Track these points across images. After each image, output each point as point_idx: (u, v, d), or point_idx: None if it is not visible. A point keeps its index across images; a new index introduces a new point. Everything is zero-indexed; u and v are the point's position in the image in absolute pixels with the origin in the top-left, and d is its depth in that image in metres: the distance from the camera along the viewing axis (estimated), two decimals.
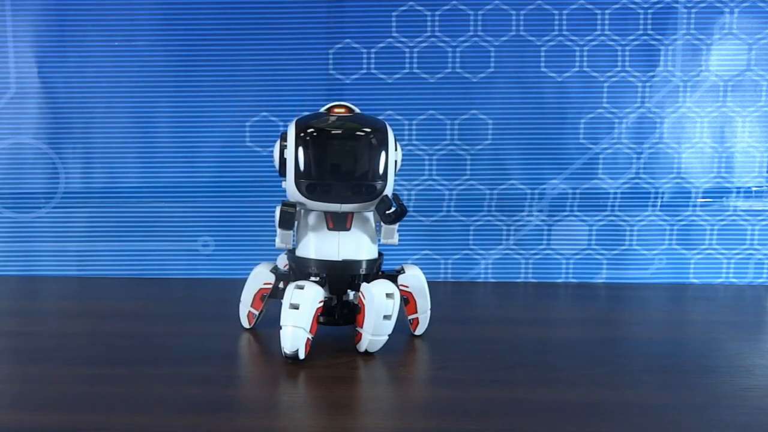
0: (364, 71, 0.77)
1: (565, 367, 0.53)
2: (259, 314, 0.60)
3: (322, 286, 0.54)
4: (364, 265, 0.56)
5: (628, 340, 0.61)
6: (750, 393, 0.48)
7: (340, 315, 0.56)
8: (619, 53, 0.76)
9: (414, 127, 0.78)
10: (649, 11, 0.76)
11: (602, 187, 0.79)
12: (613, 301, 0.74)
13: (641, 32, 0.76)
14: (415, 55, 0.77)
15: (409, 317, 0.59)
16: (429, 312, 0.59)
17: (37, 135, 0.78)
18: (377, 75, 0.77)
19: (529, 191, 0.79)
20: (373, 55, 0.77)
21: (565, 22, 0.76)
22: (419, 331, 0.60)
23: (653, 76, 0.77)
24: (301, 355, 0.52)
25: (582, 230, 0.79)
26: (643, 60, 0.76)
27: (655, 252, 0.80)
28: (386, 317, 0.53)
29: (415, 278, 0.59)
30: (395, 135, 0.55)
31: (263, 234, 0.80)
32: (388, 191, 0.55)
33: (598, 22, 0.76)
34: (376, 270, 0.58)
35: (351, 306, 0.56)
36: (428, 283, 0.80)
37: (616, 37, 0.76)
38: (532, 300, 0.74)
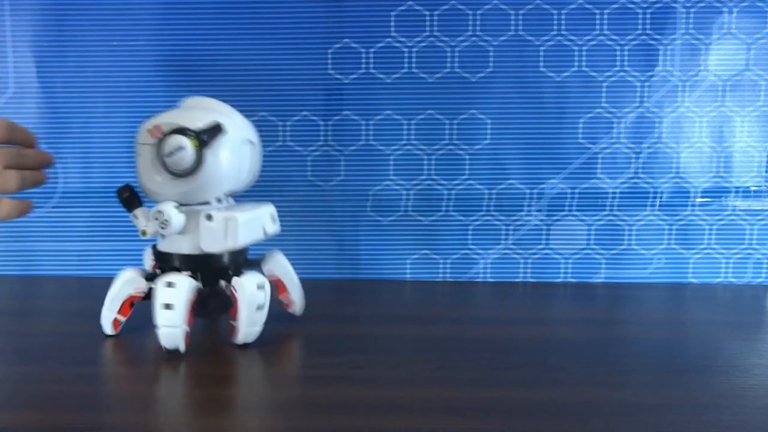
0: (363, 71, 0.77)
1: (564, 366, 0.53)
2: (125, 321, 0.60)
3: (194, 279, 0.56)
4: (226, 257, 0.57)
5: (626, 339, 0.61)
6: (749, 392, 0.49)
7: (213, 307, 0.58)
8: (618, 53, 0.76)
9: (413, 126, 0.78)
10: (648, 11, 0.76)
11: (601, 187, 0.79)
12: (612, 301, 0.74)
13: (640, 32, 0.76)
14: (414, 54, 0.77)
15: (280, 297, 0.62)
16: (301, 289, 0.59)
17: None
18: (376, 75, 0.77)
19: (528, 191, 0.79)
20: (372, 55, 0.77)
21: (564, 22, 0.76)
22: (298, 310, 0.62)
23: (652, 76, 0.77)
24: (182, 349, 0.54)
25: (581, 230, 0.79)
26: (642, 60, 0.76)
27: (653, 252, 0.80)
28: (259, 308, 0.55)
29: (277, 263, 0.60)
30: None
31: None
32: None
33: (597, 21, 0.76)
34: (242, 260, 0.59)
35: (223, 296, 0.57)
36: (426, 282, 0.80)
37: (615, 37, 0.76)
38: (530, 300, 0.74)
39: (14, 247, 0.80)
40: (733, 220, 0.79)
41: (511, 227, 0.80)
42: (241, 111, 0.78)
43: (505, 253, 0.80)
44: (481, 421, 0.44)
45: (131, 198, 0.57)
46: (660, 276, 0.80)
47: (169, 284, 0.53)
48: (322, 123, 0.78)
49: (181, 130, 0.53)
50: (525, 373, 0.52)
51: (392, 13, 0.76)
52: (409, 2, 0.76)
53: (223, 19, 0.76)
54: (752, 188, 0.78)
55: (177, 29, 0.77)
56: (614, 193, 0.79)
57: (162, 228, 0.54)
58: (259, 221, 0.59)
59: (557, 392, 0.48)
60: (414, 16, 0.76)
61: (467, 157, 0.78)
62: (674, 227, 0.79)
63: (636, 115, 0.77)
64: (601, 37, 0.76)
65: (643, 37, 0.76)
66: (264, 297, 0.56)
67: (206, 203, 0.57)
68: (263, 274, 0.59)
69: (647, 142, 0.78)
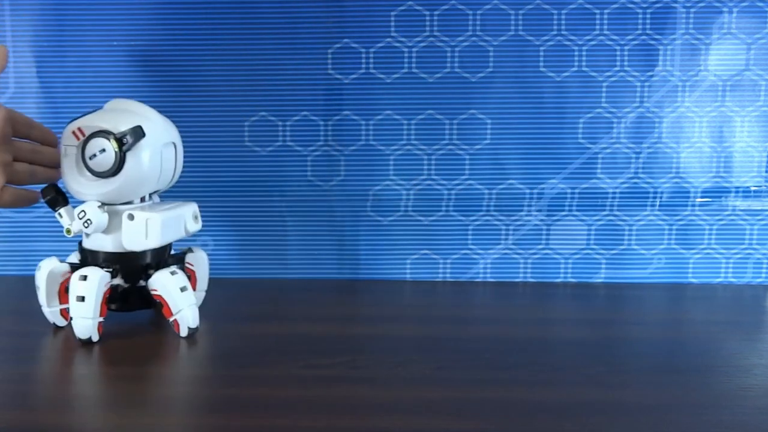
0: (363, 71, 0.77)
1: (564, 366, 0.53)
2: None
3: (114, 276, 0.58)
4: (149, 255, 0.59)
5: (626, 339, 0.61)
6: (748, 392, 0.49)
7: (134, 302, 0.60)
8: (618, 53, 0.76)
9: (413, 126, 0.78)
10: (648, 11, 0.76)
11: (601, 187, 0.79)
12: (612, 301, 0.74)
13: (640, 32, 0.76)
14: (414, 54, 0.77)
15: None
16: (186, 310, 0.59)
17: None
18: (376, 75, 0.77)
19: (527, 191, 0.79)
20: (372, 55, 0.77)
21: (563, 22, 0.76)
22: (183, 332, 0.61)
23: (652, 76, 0.77)
24: (95, 338, 0.56)
25: (581, 230, 0.79)
26: (642, 59, 0.76)
27: (653, 252, 0.80)
28: (182, 289, 0.59)
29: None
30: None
31: (262, 233, 0.80)
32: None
33: (597, 21, 0.76)
34: (166, 256, 0.62)
35: (144, 292, 0.59)
36: (426, 282, 0.80)
37: (615, 37, 0.76)
38: (530, 300, 0.74)
39: (14, 247, 0.80)
40: (733, 220, 0.79)
41: (511, 227, 0.80)
42: (240, 110, 0.78)
43: (505, 253, 0.80)
44: (481, 421, 0.44)
45: (56, 198, 0.59)
46: (660, 276, 0.80)
47: (83, 277, 0.56)
48: (322, 123, 0.78)
49: (103, 133, 0.55)
50: (525, 373, 0.52)
51: (392, 13, 0.76)
52: (409, 2, 0.76)
53: (222, 19, 0.76)
54: (752, 188, 0.78)
55: (177, 29, 0.77)
56: (614, 193, 0.79)
57: (85, 227, 0.57)
58: (180, 220, 0.61)
59: (557, 392, 0.48)
60: (414, 16, 0.76)
61: (467, 157, 0.78)
62: (674, 227, 0.79)
63: (636, 115, 0.77)
64: (601, 37, 0.76)
65: (643, 37, 0.76)
66: (181, 279, 0.59)
67: (129, 203, 0.59)
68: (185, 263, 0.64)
69: (647, 142, 0.78)
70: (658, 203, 0.79)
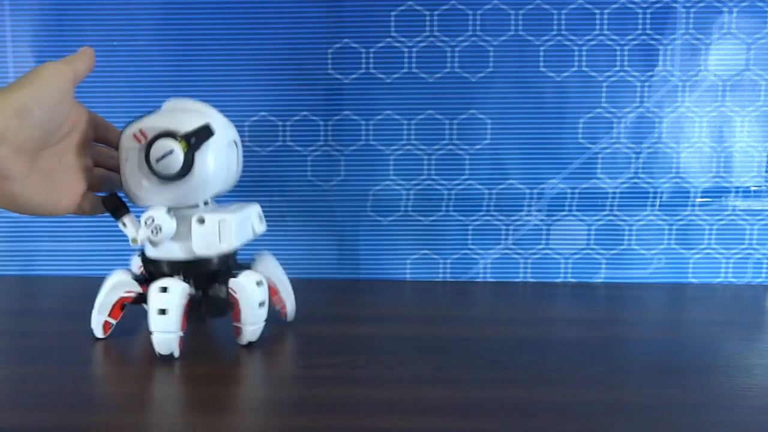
0: (363, 71, 0.77)
1: (564, 366, 0.53)
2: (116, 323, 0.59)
3: (187, 284, 0.55)
4: (216, 261, 0.57)
5: (626, 339, 0.61)
6: (748, 392, 0.49)
7: (206, 311, 0.57)
8: (618, 53, 0.76)
9: (413, 126, 0.78)
10: (648, 11, 0.76)
11: (601, 187, 0.79)
12: (612, 301, 0.74)
13: (640, 32, 0.76)
14: (413, 54, 0.77)
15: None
16: (292, 292, 0.59)
17: None
18: (376, 75, 0.77)
19: (527, 191, 0.79)
20: (371, 55, 0.77)
21: (563, 22, 0.76)
22: (290, 313, 0.62)
23: (652, 76, 0.77)
24: (176, 355, 0.54)
25: (581, 230, 0.79)
26: (642, 59, 0.76)
27: (653, 252, 0.80)
28: (261, 304, 0.56)
29: (267, 265, 0.59)
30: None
31: (262, 234, 0.80)
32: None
33: (597, 21, 0.76)
34: (232, 263, 0.59)
35: (216, 300, 0.56)
36: (426, 282, 0.80)
37: (614, 37, 0.76)
38: (530, 300, 0.74)
39: (14, 247, 0.80)
40: (733, 220, 0.79)
41: (511, 227, 0.80)
42: (240, 111, 0.78)
43: (505, 253, 0.80)
44: (481, 421, 0.44)
45: (118, 206, 0.56)
46: (660, 276, 0.80)
47: (163, 289, 0.53)
48: (322, 123, 0.78)
49: (169, 134, 0.52)
50: (525, 373, 0.52)
51: (392, 13, 0.76)
52: (409, 2, 0.76)
53: (222, 19, 0.76)
54: (752, 188, 0.78)
55: (177, 29, 0.77)
56: (614, 193, 0.79)
57: (154, 235, 0.54)
58: (248, 221, 0.59)
59: (557, 392, 0.48)
60: (414, 16, 0.76)
61: (467, 157, 0.78)
62: (674, 227, 0.79)
63: (636, 115, 0.77)
64: (601, 37, 0.76)
65: (643, 37, 0.76)
66: (264, 293, 0.56)
67: (194, 206, 0.56)
68: None
69: (647, 142, 0.78)
70: (658, 203, 0.79)
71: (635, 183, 0.78)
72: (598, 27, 0.76)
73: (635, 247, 0.80)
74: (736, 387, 0.49)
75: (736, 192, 0.78)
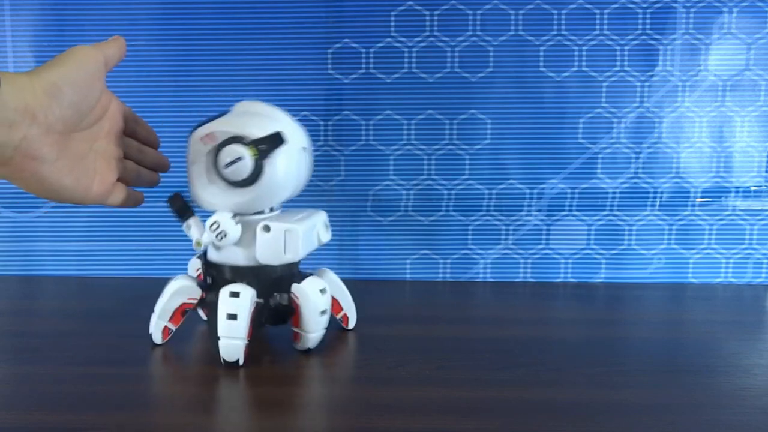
0: (363, 71, 0.77)
1: (564, 366, 0.53)
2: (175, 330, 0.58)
3: (210, 288, 0.54)
4: (280, 268, 0.55)
5: (626, 339, 0.61)
6: (748, 392, 0.49)
7: (267, 318, 0.56)
8: (618, 53, 0.76)
9: (413, 126, 0.78)
10: (648, 11, 0.76)
11: (601, 187, 0.79)
12: (612, 301, 0.74)
13: (640, 32, 0.76)
14: (414, 54, 0.77)
15: (338, 315, 0.61)
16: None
17: None
18: (376, 75, 0.77)
19: (527, 191, 0.79)
20: (372, 55, 0.77)
21: (564, 22, 0.76)
22: (351, 324, 0.62)
23: (652, 76, 0.77)
24: (240, 362, 0.52)
25: (581, 230, 0.79)
26: (642, 59, 0.76)
27: (653, 252, 0.80)
28: (322, 312, 0.55)
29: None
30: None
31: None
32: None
33: (597, 21, 0.76)
34: (295, 271, 0.57)
35: (277, 308, 0.55)
36: (426, 282, 0.80)
37: (615, 37, 0.76)
38: (530, 300, 0.74)
39: (14, 247, 0.80)
40: (733, 220, 0.79)
41: (511, 227, 0.80)
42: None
43: (505, 253, 0.80)
44: (481, 421, 0.44)
45: (184, 207, 0.55)
46: (660, 276, 0.80)
47: (234, 294, 0.52)
48: (322, 123, 0.78)
49: (239, 139, 0.51)
50: (525, 373, 0.52)
51: (392, 13, 0.76)
52: (409, 2, 0.76)
53: (222, 19, 0.76)
54: (752, 188, 0.78)
55: (177, 29, 0.77)
56: (614, 193, 0.79)
57: (218, 239, 0.52)
58: (314, 230, 0.57)
59: (557, 392, 0.48)
60: (414, 16, 0.76)
61: (467, 157, 0.78)
62: (674, 227, 0.79)
63: (636, 115, 0.77)
64: (601, 37, 0.76)
65: (643, 37, 0.76)
66: (326, 301, 0.55)
67: (260, 212, 0.55)
68: None
69: (647, 142, 0.78)
70: (658, 203, 0.79)
71: (635, 183, 0.78)
72: (598, 27, 0.76)
73: (635, 247, 0.80)
74: (736, 387, 0.49)
75: (736, 192, 0.78)
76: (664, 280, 0.80)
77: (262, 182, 0.52)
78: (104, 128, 0.49)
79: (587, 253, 0.80)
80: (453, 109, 0.78)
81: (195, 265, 0.61)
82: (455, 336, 0.61)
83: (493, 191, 0.79)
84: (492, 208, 0.79)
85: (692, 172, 0.78)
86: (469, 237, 0.80)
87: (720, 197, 0.79)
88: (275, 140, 0.51)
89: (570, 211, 0.79)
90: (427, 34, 0.76)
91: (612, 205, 0.79)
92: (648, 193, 0.79)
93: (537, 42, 0.76)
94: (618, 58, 0.76)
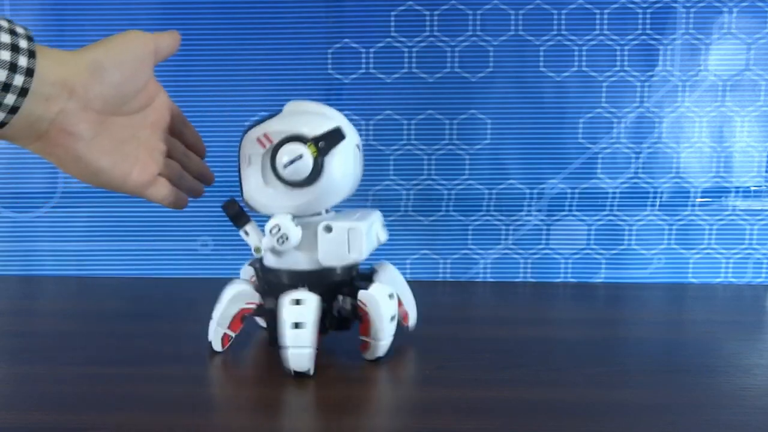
0: (363, 71, 0.77)
1: (564, 366, 0.53)
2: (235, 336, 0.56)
3: (268, 295, 0.53)
4: (339, 271, 0.54)
5: (626, 339, 0.61)
6: (748, 392, 0.49)
7: (330, 323, 0.54)
8: (618, 53, 0.76)
9: (413, 126, 0.78)
10: (648, 11, 0.76)
11: (601, 187, 0.79)
12: (612, 301, 0.74)
13: (640, 32, 0.76)
14: (414, 54, 0.77)
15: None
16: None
17: None
18: (376, 75, 0.77)
19: (528, 191, 0.79)
20: (372, 55, 0.77)
21: (564, 22, 0.76)
22: (412, 323, 0.59)
23: (652, 76, 0.77)
24: (312, 371, 0.51)
25: (581, 230, 0.79)
26: (642, 59, 0.76)
27: (654, 252, 0.80)
28: (392, 318, 0.52)
29: (389, 275, 0.56)
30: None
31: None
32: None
33: (597, 21, 0.76)
34: (355, 273, 0.56)
35: (343, 312, 0.53)
36: (427, 282, 0.80)
37: (615, 37, 0.76)
38: (530, 300, 0.74)
39: (14, 247, 0.80)
40: (733, 220, 0.79)
41: (511, 227, 0.80)
42: (240, 110, 0.78)
43: (505, 253, 0.80)
44: (481, 421, 0.44)
45: (241, 213, 0.53)
46: (660, 276, 0.80)
47: (297, 301, 0.49)
48: None
49: (297, 138, 0.49)
50: (525, 373, 0.52)
51: (392, 13, 0.76)
52: (409, 2, 0.76)
53: (222, 19, 0.76)
54: (752, 188, 0.78)
55: (177, 29, 0.76)
56: (614, 193, 0.79)
57: (279, 244, 0.51)
58: (373, 229, 0.55)
59: (557, 392, 0.48)
60: (414, 16, 0.76)
61: (467, 157, 0.78)
62: (674, 227, 0.79)
63: (636, 115, 0.77)
64: (601, 37, 0.76)
65: (643, 37, 0.76)
66: (395, 306, 0.53)
67: (317, 214, 0.53)
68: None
69: (647, 142, 0.78)
70: (658, 203, 0.79)
71: (635, 183, 0.78)
72: (598, 27, 0.76)
73: (635, 247, 0.80)
74: (737, 387, 0.49)
75: (736, 192, 0.78)
76: (664, 280, 0.80)
77: (322, 181, 0.50)
78: (149, 118, 0.48)
79: (587, 253, 0.80)
80: (453, 109, 0.78)
81: (248, 273, 0.59)
82: (455, 336, 0.61)
83: (493, 191, 0.79)
84: (492, 208, 0.79)
85: (692, 172, 0.78)
86: (469, 237, 0.80)
87: (720, 197, 0.79)
88: (335, 136, 0.50)
89: (570, 211, 0.79)
90: (427, 34, 0.76)
91: (612, 205, 0.79)
92: (648, 193, 0.79)
93: (537, 42, 0.76)
94: (618, 58, 0.76)
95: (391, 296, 0.52)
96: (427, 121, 0.78)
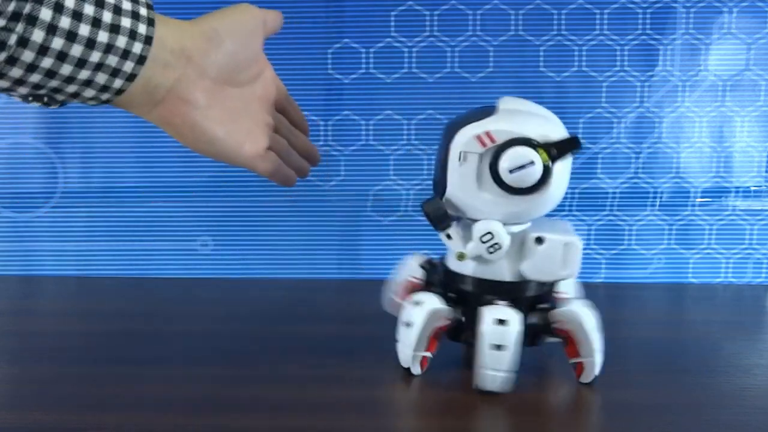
0: (363, 71, 0.77)
1: (564, 366, 0.53)
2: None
3: (455, 304, 0.49)
4: (535, 285, 0.50)
5: (626, 339, 0.61)
6: (748, 392, 0.49)
7: (467, 336, 0.50)
8: (618, 53, 0.76)
9: (413, 126, 0.78)
10: (648, 11, 0.75)
11: (601, 187, 0.79)
12: (612, 301, 0.74)
13: (640, 32, 0.76)
14: (414, 54, 0.77)
15: (571, 361, 0.51)
16: (597, 355, 0.49)
17: (36, 134, 0.78)
18: (376, 74, 0.77)
19: None
20: (372, 55, 0.77)
21: (563, 22, 0.76)
22: (585, 378, 0.50)
23: (652, 76, 0.77)
24: (415, 372, 0.50)
25: (581, 230, 0.79)
26: (642, 59, 0.76)
27: (653, 252, 0.80)
28: (497, 347, 0.46)
29: (572, 314, 0.49)
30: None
31: (262, 233, 0.80)
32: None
33: (597, 21, 0.76)
34: (547, 287, 0.51)
35: (537, 329, 0.50)
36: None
37: (615, 37, 0.76)
38: None
39: (14, 247, 0.80)
40: (733, 220, 0.79)
41: None
42: None
43: None
44: (482, 421, 0.44)
45: (446, 214, 0.49)
46: (660, 276, 0.80)
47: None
48: (322, 123, 0.78)
49: (527, 142, 0.46)
50: (525, 372, 0.52)
51: (392, 13, 0.76)
52: (409, 2, 0.76)
53: None
54: (752, 188, 0.78)
55: None
56: (614, 193, 0.79)
57: (490, 252, 0.47)
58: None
59: (557, 392, 0.48)
60: (414, 16, 0.76)
61: None
62: (674, 227, 0.79)
63: (636, 115, 0.77)
64: (601, 37, 0.76)
65: (643, 37, 0.76)
66: (504, 335, 0.46)
67: (519, 222, 0.49)
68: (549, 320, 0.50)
69: (647, 142, 0.78)
70: (658, 203, 0.79)
71: (635, 183, 0.78)
72: (598, 27, 0.76)
73: (635, 247, 0.80)
74: (737, 387, 0.49)
75: (736, 192, 0.78)
76: (664, 280, 0.80)
77: (546, 190, 0.47)
78: (257, 92, 0.48)
79: (587, 253, 0.80)
80: (453, 109, 0.77)
81: (411, 270, 0.56)
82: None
83: None
84: None
85: (692, 172, 0.78)
86: None
87: (720, 197, 0.79)
88: (569, 145, 0.46)
89: (570, 211, 0.79)
90: (427, 34, 0.76)
91: (612, 205, 0.79)
92: (648, 193, 0.79)
93: (537, 42, 0.76)
94: (618, 58, 0.76)
95: (501, 322, 0.47)
96: (427, 121, 0.78)
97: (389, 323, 0.64)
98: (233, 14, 0.45)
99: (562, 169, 0.48)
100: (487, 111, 0.48)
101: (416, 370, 0.50)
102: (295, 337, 0.60)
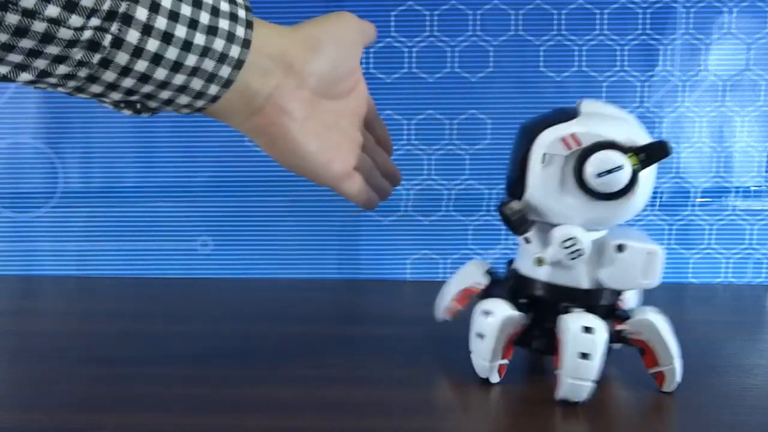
0: (363, 71, 0.77)
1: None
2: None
3: (525, 311, 0.48)
4: (606, 293, 0.48)
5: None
6: (748, 392, 0.49)
7: (538, 344, 0.49)
8: (618, 53, 0.76)
9: (413, 126, 0.78)
10: (648, 11, 0.76)
11: None
12: None
13: (640, 32, 0.76)
14: (413, 54, 0.77)
15: (651, 371, 0.49)
16: (677, 361, 0.48)
17: (36, 134, 0.78)
18: (376, 74, 0.77)
19: None
20: (371, 55, 0.77)
21: (564, 22, 0.76)
22: (668, 387, 0.49)
23: (652, 76, 0.77)
24: (493, 380, 0.49)
25: None
26: (642, 59, 0.76)
27: None
28: (584, 356, 0.45)
29: (648, 322, 0.48)
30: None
31: (262, 233, 0.80)
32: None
33: (597, 21, 0.76)
34: (614, 297, 0.49)
35: (612, 339, 0.48)
36: (426, 282, 0.80)
37: (614, 37, 0.76)
38: None
39: (14, 247, 0.80)
40: (733, 220, 0.79)
41: None
42: None
43: (505, 253, 0.80)
44: (481, 421, 0.44)
45: (525, 217, 0.47)
46: None
47: (486, 313, 0.47)
48: None
49: (615, 146, 0.44)
50: (525, 372, 0.52)
51: (392, 13, 0.76)
52: (409, 2, 0.76)
53: None
54: (752, 188, 0.78)
55: None
56: None
57: (570, 258, 0.46)
58: None
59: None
60: (414, 16, 0.76)
61: (467, 157, 0.78)
62: (674, 227, 0.79)
63: (636, 115, 0.77)
64: (601, 37, 0.76)
65: (643, 36, 0.76)
66: (591, 343, 0.45)
67: (598, 229, 0.48)
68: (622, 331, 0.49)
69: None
70: (658, 203, 0.79)
71: None
72: (598, 27, 0.76)
73: None
74: (737, 387, 0.49)
75: (736, 192, 0.78)
76: (664, 280, 0.79)
77: (631, 196, 0.45)
78: (350, 106, 0.46)
79: None
80: (453, 109, 0.78)
81: (474, 277, 0.54)
82: (455, 336, 0.60)
83: (493, 191, 0.79)
84: (492, 208, 0.79)
85: (692, 172, 0.78)
86: (469, 237, 0.80)
87: (720, 197, 0.79)
88: (659, 151, 0.44)
89: None
90: (427, 34, 0.76)
91: None
92: None
93: (537, 42, 0.76)
94: (618, 58, 0.76)
95: (588, 330, 0.45)
96: (427, 121, 0.78)
97: (389, 323, 0.65)
98: (336, 23, 0.43)
99: (649, 175, 0.46)
100: (569, 113, 0.47)
101: (495, 378, 0.49)
102: (295, 337, 0.60)
